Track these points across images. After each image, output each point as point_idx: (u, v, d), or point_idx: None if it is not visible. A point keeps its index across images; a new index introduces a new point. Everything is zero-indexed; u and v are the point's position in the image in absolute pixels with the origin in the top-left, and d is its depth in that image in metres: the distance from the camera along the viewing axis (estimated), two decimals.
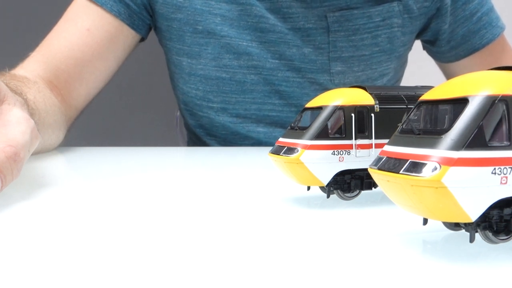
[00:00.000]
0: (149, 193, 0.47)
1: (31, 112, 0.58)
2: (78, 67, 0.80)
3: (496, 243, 0.27)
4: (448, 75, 0.95)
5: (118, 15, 0.80)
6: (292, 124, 0.40)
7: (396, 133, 0.30)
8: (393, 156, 0.28)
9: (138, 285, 0.22)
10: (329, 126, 0.37)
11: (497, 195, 0.25)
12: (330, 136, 0.37)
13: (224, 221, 0.35)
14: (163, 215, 0.37)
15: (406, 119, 0.29)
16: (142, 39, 0.88)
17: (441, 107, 0.27)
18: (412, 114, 0.29)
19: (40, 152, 0.70)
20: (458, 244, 0.28)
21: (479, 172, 0.24)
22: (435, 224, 0.29)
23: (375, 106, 0.38)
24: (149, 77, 1.77)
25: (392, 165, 0.27)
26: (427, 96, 0.29)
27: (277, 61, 0.82)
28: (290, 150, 0.38)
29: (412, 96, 0.40)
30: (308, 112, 0.40)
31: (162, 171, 0.63)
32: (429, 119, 0.28)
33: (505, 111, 0.25)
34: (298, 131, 0.39)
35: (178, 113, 1.20)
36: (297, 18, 0.80)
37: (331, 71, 0.82)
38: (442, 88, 0.28)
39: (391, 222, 0.34)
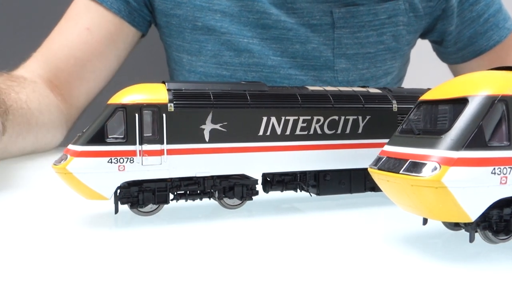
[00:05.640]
0: None
1: (21, 112, 0.62)
2: (78, 66, 0.80)
3: (496, 243, 0.27)
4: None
5: (118, 12, 0.80)
6: None
7: (396, 133, 0.30)
8: (393, 156, 0.28)
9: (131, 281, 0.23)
10: (107, 129, 0.31)
11: (496, 195, 0.25)
12: (108, 140, 0.31)
13: (222, 220, 0.35)
14: (161, 215, 0.37)
15: (406, 119, 0.29)
16: (143, 35, 0.88)
17: (441, 107, 0.27)
18: (412, 114, 0.29)
19: (35, 152, 0.70)
20: (458, 244, 0.28)
21: (478, 172, 0.24)
22: (435, 224, 0.29)
23: (169, 105, 0.32)
24: (149, 76, 1.77)
25: (392, 165, 0.27)
26: (427, 96, 0.29)
27: (279, 58, 0.81)
28: (64, 157, 0.32)
29: (223, 93, 0.34)
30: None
31: None
32: (429, 119, 0.28)
33: (505, 111, 0.25)
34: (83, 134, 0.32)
35: None
36: (302, 14, 0.79)
37: (335, 68, 0.81)
38: (442, 88, 0.28)
39: (391, 222, 0.34)
